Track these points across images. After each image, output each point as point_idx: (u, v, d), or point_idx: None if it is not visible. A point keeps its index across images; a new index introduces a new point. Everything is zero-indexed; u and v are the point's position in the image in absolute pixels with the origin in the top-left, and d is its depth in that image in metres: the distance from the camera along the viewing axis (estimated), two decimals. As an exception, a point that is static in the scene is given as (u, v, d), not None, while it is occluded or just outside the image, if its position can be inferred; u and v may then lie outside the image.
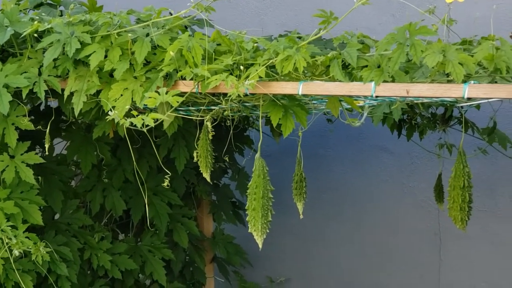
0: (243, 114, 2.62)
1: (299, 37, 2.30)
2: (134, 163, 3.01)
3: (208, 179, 2.72)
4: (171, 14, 2.44)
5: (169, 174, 2.52)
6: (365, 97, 2.04)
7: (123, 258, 3.27)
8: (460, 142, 2.81)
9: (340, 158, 4.28)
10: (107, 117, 2.03)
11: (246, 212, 2.30)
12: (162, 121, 2.25)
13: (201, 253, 3.83)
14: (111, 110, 2.09)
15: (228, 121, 2.79)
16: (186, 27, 2.74)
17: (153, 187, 3.42)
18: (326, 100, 2.39)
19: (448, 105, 2.93)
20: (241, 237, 3.94)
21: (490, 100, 2.75)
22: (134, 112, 2.02)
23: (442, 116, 3.32)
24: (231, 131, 2.95)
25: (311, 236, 4.41)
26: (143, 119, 1.98)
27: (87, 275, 3.25)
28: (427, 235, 4.06)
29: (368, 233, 4.24)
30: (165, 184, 2.44)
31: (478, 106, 3.18)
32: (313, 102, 2.47)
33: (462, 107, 3.19)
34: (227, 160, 3.36)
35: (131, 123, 1.98)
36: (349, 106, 2.45)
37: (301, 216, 2.70)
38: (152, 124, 1.99)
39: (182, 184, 3.56)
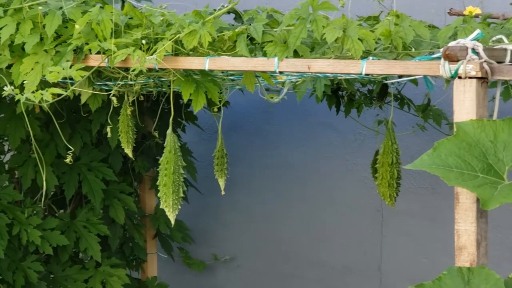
0: (163, 89, 2.60)
1: (212, 13, 2.27)
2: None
3: (130, 154, 2.70)
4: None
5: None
6: (276, 72, 2.02)
7: (55, 234, 3.24)
8: (389, 119, 2.81)
9: (286, 134, 4.27)
10: (3, 93, 1.99)
11: (158, 188, 2.29)
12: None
13: (140, 229, 3.81)
14: (7, 85, 2.05)
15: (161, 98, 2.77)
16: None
17: (88, 163, 3.39)
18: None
19: (376, 81, 2.92)
20: (184, 213, 3.92)
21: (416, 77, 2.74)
22: (34, 88, 1.99)
23: (378, 93, 3.32)
24: (161, 106, 2.94)
25: (257, 213, 4.41)
26: (42, 94, 1.95)
27: (18, 251, 3.23)
28: (370, 211, 4.06)
29: (313, 209, 4.24)
30: (68, 160, 2.41)
31: (415, 82, 3.18)
32: (230, 77, 2.45)
33: (398, 83, 3.19)
34: (157, 136, 3.32)
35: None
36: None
37: (223, 193, 2.69)
38: (51, 100, 1.96)
39: (119, 160, 3.53)
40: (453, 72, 1.69)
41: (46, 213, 3.45)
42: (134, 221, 3.79)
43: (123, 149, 3.47)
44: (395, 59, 1.94)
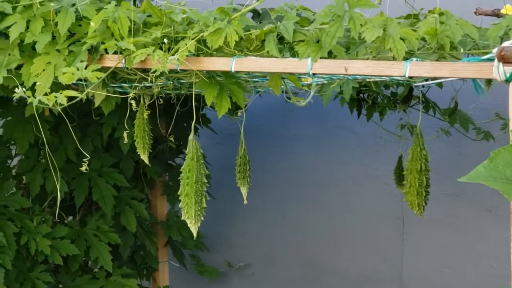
0: (182, 92, 2.45)
1: (235, 9, 2.12)
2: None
3: (146, 161, 2.55)
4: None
5: (87, 157, 2.34)
6: (309, 74, 1.87)
7: (65, 243, 3.09)
8: (417, 124, 2.66)
9: (303, 138, 4.13)
10: (14, 95, 1.84)
11: (179, 198, 2.14)
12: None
13: (152, 237, 3.66)
14: (19, 87, 1.89)
15: (176, 101, 2.63)
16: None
17: (98, 168, 3.25)
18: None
19: (404, 84, 2.77)
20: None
21: (450, 79, 2.60)
22: (47, 90, 1.84)
23: (403, 97, 3.17)
24: (177, 109, 2.79)
25: (272, 219, 4.27)
26: (56, 97, 1.80)
27: (26, 260, 3.08)
28: (390, 218, 3.92)
29: (331, 216, 4.10)
30: (83, 168, 2.25)
31: (440, 85, 3.04)
32: (254, 79, 2.30)
33: (423, 86, 3.04)
34: (172, 141, 3.18)
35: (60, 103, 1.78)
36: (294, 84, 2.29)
37: (245, 202, 2.54)
38: (65, 103, 1.81)
39: (130, 165, 3.39)
40: (508, 75, 1.54)
41: (54, 220, 3.29)
42: (145, 229, 3.64)
43: (135, 153, 3.35)
44: (436, 60, 1.79)
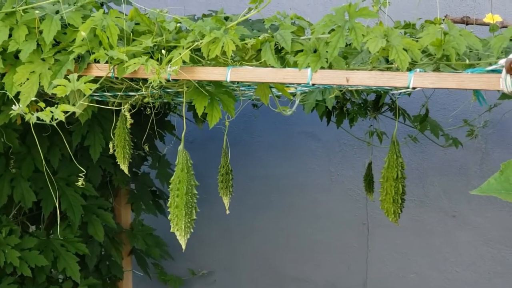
0: (165, 100, 2.41)
1: (226, 18, 2.09)
2: (40, 152, 2.76)
3: (126, 171, 2.50)
4: (84, -11, 2.20)
5: (83, 172, 2.28)
6: (298, 84, 1.84)
7: (33, 254, 3.02)
8: (393, 131, 2.66)
9: (267, 145, 4.11)
10: (11, 112, 1.78)
11: (168, 210, 2.09)
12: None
13: (118, 246, 3.60)
14: (14, 101, 1.83)
15: (149, 108, 2.58)
16: (101, 4, 2.50)
17: (66, 177, 3.18)
18: (255, 87, 2.20)
19: (381, 92, 2.77)
20: (161, 227, 3.73)
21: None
22: (42, 104, 1.78)
23: (373, 103, 3.17)
24: (151, 118, 2.73)
25: (236, 226, 4.24)
26: (51, 112, 1.74)
27: (-6, 273, 3.00)
28: (355, 224, 3.93)
29: (295, 223, 4.09)
30: (80, 183, 2.20)
31: (409, 93, 3.05)
32: (241, 88, 2.27)
33: (393, 94, 3.05)
34: (147, 148, 3.12)
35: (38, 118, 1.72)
36: (279, 93, 2.27)
37: (228, 212, 2.51)
38: (63, 118, 1.75)
39: (98, 174, 3.33)
40: (516, 86, 1.54)
41: (17, 227, 3.21)
42: (111, 238, 3.58)
43: (103, 162, 3.29)
44: (434, 70, 1.79)
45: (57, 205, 3.00)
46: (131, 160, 2.54)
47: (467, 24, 2.85)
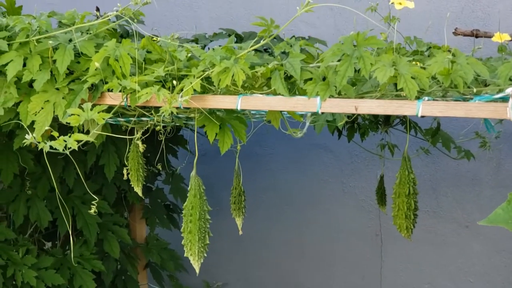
0: (177, 124, 2.44)
1: (238, 46, 2.11)
2: (51, 174, 2.79)
3: (140, 193, 2.53)
4: (97, 17, 2.23)
5: (96, 199, 2.31)
6: (322, 113, 1.86)
7: (50, 273, 3.06)
8: (405, 147, 2.68)
9: (279, 157, 4.13)
10: (24, 142, 1.81)
11: (182, 235, 2.12)
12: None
13: (133, 261, 3.64)
14: (28, 131, 1.86)
15: (160, 134, 2.62)
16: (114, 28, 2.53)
17: (81, 196, 3.21)
18: (266, 111, 2.22)
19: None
20: (176, 241, 3.76)
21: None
22: (55, 134, 1.81)
23: (384, 118, 3.19)
24: (163, 140, 2.76)
25: (249, 238, 4.26)
26: (65, 141, 1.77)
27: (11, 292, 3.04)
28: (368, 235, 3.95)
29: (309, 234, 4.11)
30: (92, 211, 2.23)
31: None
32: (252, 112, 2.30)
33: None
34: (160, 168, 3.16)
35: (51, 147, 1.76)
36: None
37: (240, 233, 2.53)
38: (75, 147, 1.78)
39: (113, 191, 3.36)
40: (523, 115, 1.56)
41: (34, 246, 3.25)
42: (127, 253, 3.61)
43: (117, 179, 3.32)
44: (442, 97, 1.81)
45: (70, 224, 3.03)
46: (145, 175, 2.58)
47: (476, 37, 2.87)
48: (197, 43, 2.96)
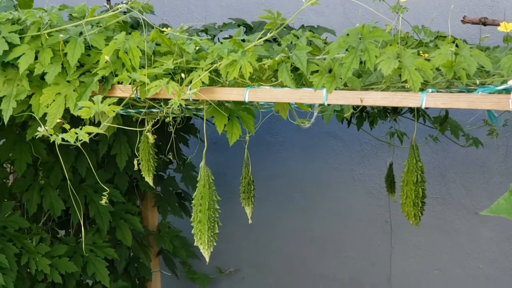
0: (186, 115, 2.47)
1: (243, 40, 2.13)
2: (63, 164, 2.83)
3: (151, 183, 2.57)
4: (108, 8, 2.27)
5: (106, 190, 2.35)
6: (328, 105, 1.90)
7: (63, 261, 3.11)
8: (412, 136, 2.71)
9: (289, 144, 4.16)
10: (36, 133, 1.85)
11: (192, 224, 2.16)
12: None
13: (145, 249, 3.69)
14: (40, 123, 1.90)
15: (171, 126, 2.65)
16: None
17: (94, 185, 3.26)
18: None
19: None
20: (187, 228, 3.80)
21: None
22: (67, 126, 1.85)
23: (393, 106, 3.21)
24: (173, 131, 2.79)
25: (259, 225, 4.29)
26: (76, 133, 1.81)
27: (26, 280, 3.08)
28: (378, 222, 3.98)
29: (319, 221, 4.14)
30: (103, 202, 2.28)
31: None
32: (260, 103, 2.33)
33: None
34: (171, 157, 3.20)
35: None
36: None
37: (250, 221, 2.57)
38: (87, 139, 1.83)
39: (125, 180, 3.41)
40: (526, 107, 1.59)
41: (47, 235, 3.30)
42: (139, 241, 3.66)
43: (129, 168, 3.36)
44: (447, 88, 1.83)
45: (83, 213, 3.07)
46: (156, 165, 2.61)
47: (484, 25, 2.88)
48: (206, 34, 2.99)
